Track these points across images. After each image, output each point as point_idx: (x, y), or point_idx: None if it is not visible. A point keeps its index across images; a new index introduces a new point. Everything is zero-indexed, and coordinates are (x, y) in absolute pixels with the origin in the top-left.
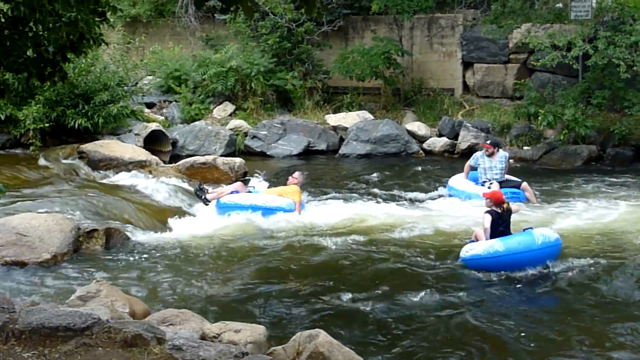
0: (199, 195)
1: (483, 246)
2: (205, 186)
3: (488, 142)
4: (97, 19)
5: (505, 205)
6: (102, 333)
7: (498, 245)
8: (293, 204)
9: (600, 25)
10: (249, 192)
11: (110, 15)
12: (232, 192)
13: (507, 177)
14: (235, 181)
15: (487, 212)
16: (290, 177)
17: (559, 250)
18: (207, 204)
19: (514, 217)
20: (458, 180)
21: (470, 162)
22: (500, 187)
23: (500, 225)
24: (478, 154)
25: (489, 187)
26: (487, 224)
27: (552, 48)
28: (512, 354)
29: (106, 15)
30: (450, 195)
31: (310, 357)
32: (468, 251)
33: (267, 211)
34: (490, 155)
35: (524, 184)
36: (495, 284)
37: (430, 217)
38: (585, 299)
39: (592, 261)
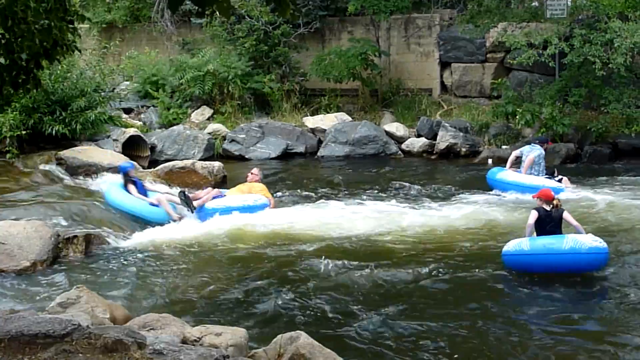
0: (186, 202)
1: (514, 243)
2: (187, 193)
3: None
4: (69, 26)
5: (555, 202)
6: (83, 339)
7: (525, 243)
8: (269, 201)
9: (575, 23)
10: (223, 196)
11: (78, 24)
12: (214, 198)
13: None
14: (215, 184)
15: (535, 208)
16: (249, 174)
17: (601, 259)
18: (193, 211)
19: None
20: (524, 176)
21: (536, 158)
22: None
23: (548, 223)
24: (543, 152)
25: (559, 180)
26: (531, 220)
27: (528, 47)
28: None
29: (74, 23)
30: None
31: (291, 359)
32: (505, 247)
33: (254, 209)
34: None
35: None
36: (499, 283)
37: (421, 217)
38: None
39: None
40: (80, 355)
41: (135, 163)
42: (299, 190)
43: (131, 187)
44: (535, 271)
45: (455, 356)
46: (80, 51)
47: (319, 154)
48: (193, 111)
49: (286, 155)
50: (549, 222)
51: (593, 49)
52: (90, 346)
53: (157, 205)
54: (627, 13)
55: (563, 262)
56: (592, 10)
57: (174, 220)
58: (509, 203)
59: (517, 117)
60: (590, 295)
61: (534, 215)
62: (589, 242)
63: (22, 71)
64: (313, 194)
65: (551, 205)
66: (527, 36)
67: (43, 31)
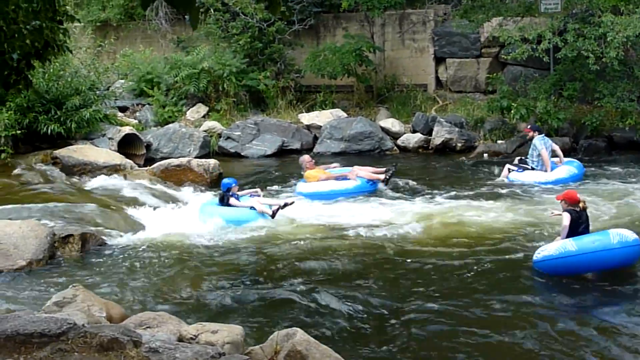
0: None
1: (555, 246)
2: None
3: (528, 126)
4: (60, 27)
5: (581, 205)
6: (78, 338)
7: (570, 244)
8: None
9: (569, 17)
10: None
11: (68, 24)
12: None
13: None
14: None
15: (566, 211)
16: (308, 163)
17: (639, 252)
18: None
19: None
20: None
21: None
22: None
23: (580, 225)
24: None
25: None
26: (567, 222)
27: (522, 41)
28: None
29: (63, 23)
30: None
31: (288, 356)
32: (540, 252)
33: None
34: (530, 140)
35: None
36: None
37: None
38: None
39: None
40: (76, 354)
41: (131, 161)
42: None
43: (232, 200)
44: (580, 272)
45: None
46: (71, 51)
47: (314, 150)
48: (188, 109)
49: (282, 152)
50: (581, 224)
51: (586, 43)
52: (86, 345)
53: (253, 208)
54: (620, 6)
55: (613, 258)
56: (586, 4)
57: (271, 217)
58: (511, 199)
59: (512, 111)
60: (620, 292)
61: (567, 217)
62: (631, 234)
63: (13, 71)
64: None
65: (578, 208)
66: (521, 31)
67: (34, 31)
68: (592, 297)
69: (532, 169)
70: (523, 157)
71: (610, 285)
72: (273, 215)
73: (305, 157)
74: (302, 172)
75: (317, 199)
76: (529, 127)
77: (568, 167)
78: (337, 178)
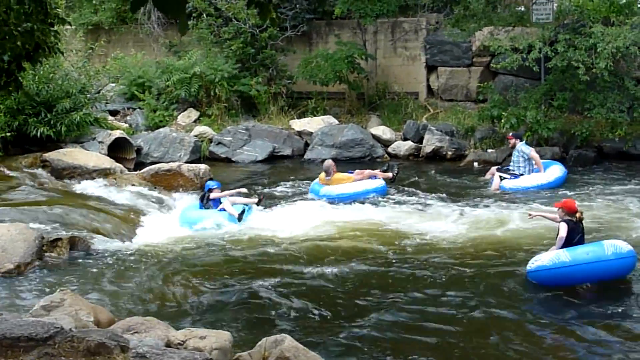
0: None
1: (549, 256)
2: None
3: (510, 134)
4: (51, 29)
5: (578, 215)
6: (65, 342)
7: (564, 255)
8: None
9: (560, 28)
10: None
11: (59, 27)
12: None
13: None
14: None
15: (564, 221)
16: (332, 168)
17: (633, 264)
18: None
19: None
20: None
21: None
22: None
23: (576, 235)
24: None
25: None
26: (564, 232)
27: (512, 51)
28: None
29: (54, 25)
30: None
31: None
32: (533, 263)
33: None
34: (513, 147)
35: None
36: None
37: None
38: None
39: None
40: (63, 358)
41: (121, 165)
42: (284, 192)
43: (213, 195)
44: (574, 283)
45: None
46: (62, 53)
47: (305, 156)
48: (179, 113)
49: (273, 158)
50: (577, 234)
51: (577, 54)
52: (73, 349)
53: (223, 209)
54: (611, 17)
55: (607, 270)
56: (577, 15)
57: (238, 220)
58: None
59: (503, 120)
60: (614, 304)
61: (564, 227)
62: (625, 246)
63: (3, 73)
64: (297, 196)
65: (575, 218)
66: (512, 40)
67: (25, 33)
68: (586, 309)
69: (521, 174)
70: (500, 167)
71: (604, 297)
72: (239, 219)
73: (331, 162)
74: (327, 178)
75: (355, 198)
76: (511, 134)
77: (558, 167)
78: (370, 177)
